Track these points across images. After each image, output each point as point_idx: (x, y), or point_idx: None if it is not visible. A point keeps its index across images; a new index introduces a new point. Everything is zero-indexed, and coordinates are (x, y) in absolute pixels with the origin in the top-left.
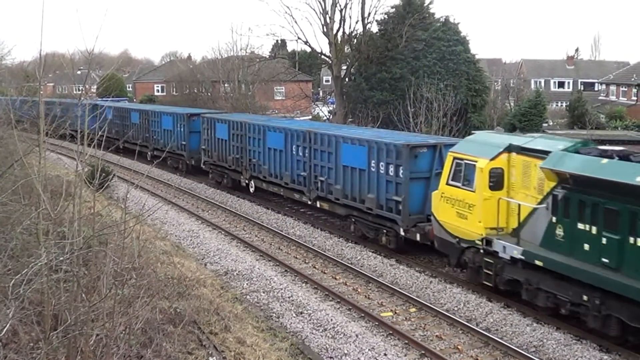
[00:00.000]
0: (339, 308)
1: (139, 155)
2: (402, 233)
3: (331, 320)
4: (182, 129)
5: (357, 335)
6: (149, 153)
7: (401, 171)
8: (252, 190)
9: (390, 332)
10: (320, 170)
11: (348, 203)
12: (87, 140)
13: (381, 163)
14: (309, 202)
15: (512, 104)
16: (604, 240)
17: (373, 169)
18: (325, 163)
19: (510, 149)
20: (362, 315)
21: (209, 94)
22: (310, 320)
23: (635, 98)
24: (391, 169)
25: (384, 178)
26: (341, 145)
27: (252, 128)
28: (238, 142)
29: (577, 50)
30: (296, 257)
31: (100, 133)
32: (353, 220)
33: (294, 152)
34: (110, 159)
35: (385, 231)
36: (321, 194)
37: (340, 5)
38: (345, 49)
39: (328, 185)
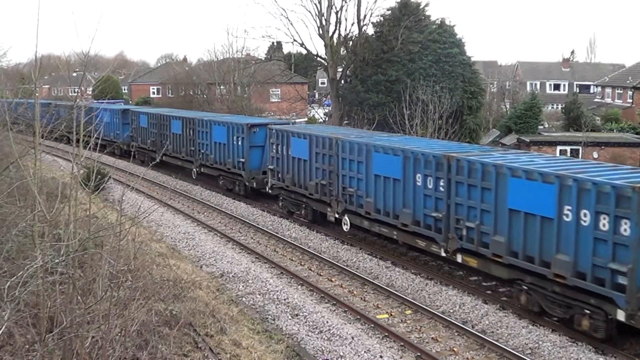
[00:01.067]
0: (334, 310)
1: (182, 172)
2: None
3: (327, 322)
4: (239, 143)
5: (353, 338)
6: (194, 170)
7: None
8: (346, 228)
9: (386, 334)
10: (468, 213)
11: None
12: (83, 142)
13: None
14: (446, 255)
15: (507, 106)
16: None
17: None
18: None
19: None
20: (358, 317)
21: (205, 96)
22: (306, 322)
23: (631, 100)
24: None
25: None
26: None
27: (349, 147)
28: (326, 164)
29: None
30: (292, 260)
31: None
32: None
33: (418, 183)
34: (106, 161)
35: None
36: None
37: (335, 8)
38: (341, 51)
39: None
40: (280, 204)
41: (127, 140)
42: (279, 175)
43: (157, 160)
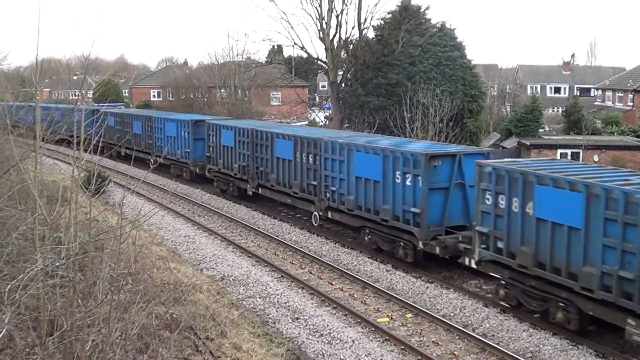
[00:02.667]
0: (335, 314)
1: (301, 215)
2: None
3: (327, 325)
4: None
5: (353, 341)
6: (316, 214)
7: None
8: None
9: (387, 337)
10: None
11: None
12: (84, 145)
13: None
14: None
15: (508, 109)
16: None
17: None
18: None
19: None
20: (359, 320)
21: (205, 99)
22: (306, 325)
23: (632, 104)
24: None
25: None
26: None
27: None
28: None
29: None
30: (292, 263)
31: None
32: None
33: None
34: (107, 165)
35: None
36: None
37: (336, 11)
38: (342, 54)
39: None
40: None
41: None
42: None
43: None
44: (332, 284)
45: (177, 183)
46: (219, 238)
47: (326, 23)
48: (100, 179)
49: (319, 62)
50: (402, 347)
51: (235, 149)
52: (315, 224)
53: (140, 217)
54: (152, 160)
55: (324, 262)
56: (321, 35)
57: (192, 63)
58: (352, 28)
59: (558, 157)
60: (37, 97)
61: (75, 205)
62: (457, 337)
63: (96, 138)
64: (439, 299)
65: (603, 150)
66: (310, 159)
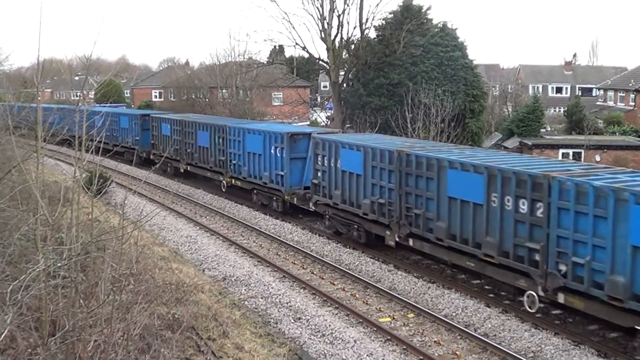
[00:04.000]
0: (337, 314)
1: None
2: None
3: (329, 325)
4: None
5: (355, 341)
6: (224, 182)
7: None
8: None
9: (389, 337)
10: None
11: None
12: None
13: None
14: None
15: (510, 109)
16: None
17: None
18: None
19: None
20: (361, 320)
21: (207, 99)
22: (308, 325)
23: (633, 103)
24: None
25: None
26: None
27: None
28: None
29: (574, 55)
30: (294, 263)
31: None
32: None
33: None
34: (108, 165)
35: None
36: None
37: (338, 11)
38: (343, 54)
39: None
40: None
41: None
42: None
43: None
44: (334, 284)
45: (179, 183)
46: (221, 238)
47: (328, 23)
48: (102, 180)
49: (320, 62)
50: (404, 347)
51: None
52: (223, 190)
53: (142, 218)
54: (224, 182)
55: (326, 262)
56: (323, 35)
57: (193, 63)
58: (354, 28)
59: (560, 157)
60: (39, 98)
61: (77, 205)
62: (459, 337)
63: (144, 149)
64: (441, 299)
65: (605, 150)
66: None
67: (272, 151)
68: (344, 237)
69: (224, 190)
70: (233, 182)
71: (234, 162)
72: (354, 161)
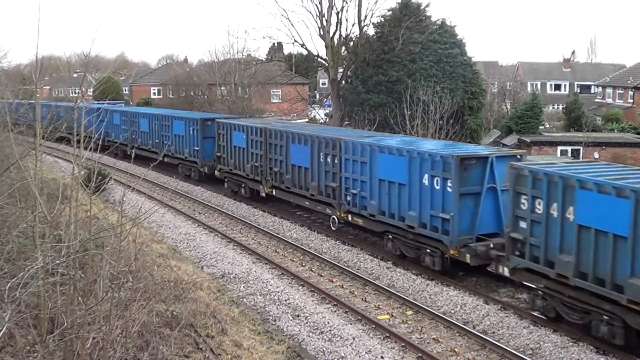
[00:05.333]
0: (335, 311)
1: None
2: None
3: (328, 323)
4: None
5: (354, 338)
6: (199, 170)
7: None
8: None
9: (387, 335)
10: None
11: None
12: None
13: None
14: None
15: (508, 106)
16: None
17: None
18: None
19: None
20: (359, 318)
21: (206, 96)
22: (307, 323)
23: (632, 100)
24: None
25: None
26: None
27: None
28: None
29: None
30: (293, 260)
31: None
32: None
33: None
34: (107, 162)
35: None
36: None
37: (336, 8)
38: (342, 51)
39: None
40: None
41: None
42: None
43: None
44: (332, 282)
45: (177, 180)
46: (220, 235)
47: (326, 20)
48: (100, 177)
49: (319, 59)
50: (403, 344)
51: None
52: (333, 228)
53: (140, 215)
54: (334, 217)
55: (325, 260)
56: (321, 32)
57: (192, 60)
58: (353, 25)
59: (558, 154)
60: (38, 95)
61: (76, 203)
62: (457, 334)
63: (206, 163)
64: (440, 296)
65: (603, 147)
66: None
67: (426, 181)
68: None
69: (333, 228)
70: (350, 218)
71: (353, 191)
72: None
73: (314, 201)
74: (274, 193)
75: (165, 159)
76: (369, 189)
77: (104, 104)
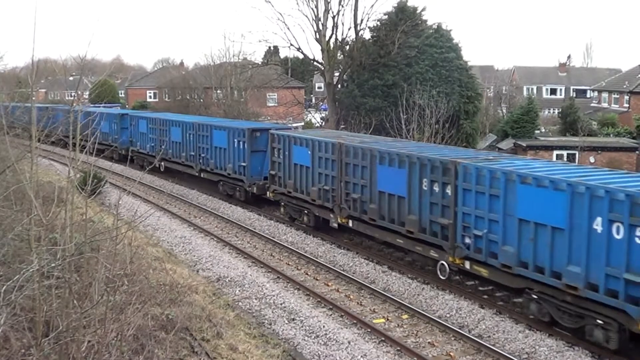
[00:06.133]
0: (331, 315)
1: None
2: None
3: (323, 327)
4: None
5: (349, 342)
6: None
7: None
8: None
9: (383, 339)
10: None
11: None
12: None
13: None
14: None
15: (504, 110)
16: None
17: None
18: None
19: None
20: (355, 322)
21: (202, 100)
22: (302, 327)
23: (627, 105)
24: None
25: None
26: None
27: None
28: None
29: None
30: (288, 264)
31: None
32: None
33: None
34: (103, 166)
35: None
36: None
37: (332, 12)
38: (338, 55)
39: None
40: None
41: None
42: None
43: None
44: (328, 285)
45: (173, 184)
46: (215, 239)
47: (322, 24)
48: (96, 180)
49: (315, 63)
50: (398, 348)
51: None
52: (442, 276)
53: (136, 218)
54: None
55: (320, 264)
56: (317, 36)
57: (188, 64)
58: (349, 29)
59: (554, 158)
60: (33, 98)
61: (71, 206)
62: (453, 339)
63: (254, 181)
64: (435, 300)
65: (599, 151)
66: (441, 190)
67: (599, 226)
68: None
69: (443, 276)
70: (470, 266)
71: (478, 232)
72: None
73: (412, 240)
74: (350, 224)
75: (203, 175)
76: (501, 231)
77: (99, 107)
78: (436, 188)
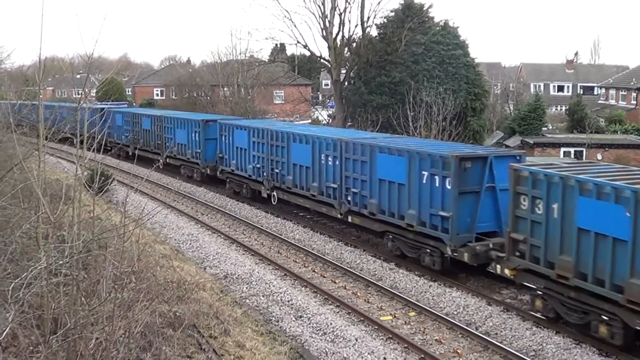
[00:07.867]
0: (338, 312)
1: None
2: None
3: (330, 324)
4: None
5: (356, 339)
6: (161, 160)
7: None
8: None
9: (390, 336)
10: None
11: None
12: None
13: None
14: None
15: (511, 108)
16: None
17: None
18: None
19: None
20: (362, 319)
21: (209, 98)
22: (309, 324)
23: (635, 102)
24: None
25: None
26: None
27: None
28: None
29: (576, 54)
30: (295, 261)
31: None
32: None
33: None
34: (110, 163)
35: None
36: None
37: (339, 9)
38: (345, 52)
39: None
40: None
41: None
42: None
43: None
44: (335, 282)
45: (180, 182)
46: (222, 236)
47: (329, 21)
48: (103, 178)
49: (322, 60)
50: (405, 345)
51: None
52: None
53: (143, 216)
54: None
55: (327, 261)
56: (324, 33)
57: (195, 62)
58: (355, 26)
59: (561, 155)
60: (41, 96)
61: (79, 203)
62: (460, 336)
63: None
64: (442, 297)
65: (606, 148)
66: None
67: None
68: None
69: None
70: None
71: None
72: None
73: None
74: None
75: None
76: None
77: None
78: (330, 161)
